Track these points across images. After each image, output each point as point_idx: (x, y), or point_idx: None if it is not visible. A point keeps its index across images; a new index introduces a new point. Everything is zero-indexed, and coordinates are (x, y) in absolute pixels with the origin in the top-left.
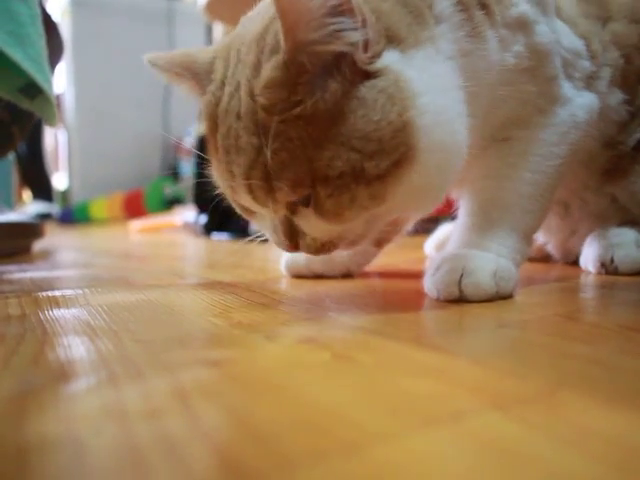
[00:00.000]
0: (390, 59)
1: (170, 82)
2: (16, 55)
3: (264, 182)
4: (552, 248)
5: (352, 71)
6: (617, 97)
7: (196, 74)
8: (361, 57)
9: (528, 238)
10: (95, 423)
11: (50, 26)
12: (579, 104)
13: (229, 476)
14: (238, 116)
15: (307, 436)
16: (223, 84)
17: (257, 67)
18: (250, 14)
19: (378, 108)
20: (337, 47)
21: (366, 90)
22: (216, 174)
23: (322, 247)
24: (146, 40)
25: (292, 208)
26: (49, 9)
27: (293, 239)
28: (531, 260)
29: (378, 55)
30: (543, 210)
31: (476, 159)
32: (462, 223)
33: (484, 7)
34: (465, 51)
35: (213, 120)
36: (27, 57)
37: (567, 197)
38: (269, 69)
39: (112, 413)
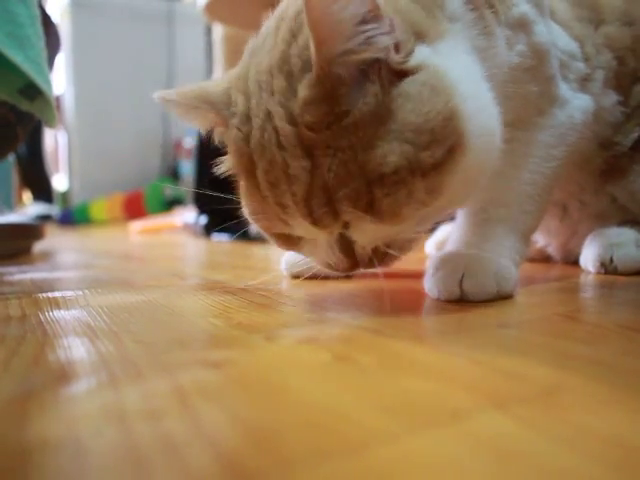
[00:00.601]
0: (422, 54)
1: (184, 117)
2: (16, 57)
3: (325, 203)
4: (553, 250)
5: (388, 72)
6: (611, 98)
7: (213, 104)
8: (395, 59)
9: (526, 238)
10: (95, 424)
11: (46, 21)
12: (576, 106)
13: (229, 477)
14: (279, 146)
15: (307, 436)
16: (248, 117)
17: (290, 90)
18: (255, 43)
19: (425, 100)
20: (371, 54)
21: (408, 86)
22: (257, 211)
23: (382, 255)
24: (146, 41)
25: (346, 222)
26: (48, 10)
27: (351, 255)
28: (531, 260)
29: (411, 53)
30: (540, 210)
31: None
32: (462, 223)
33: (491, 6)
34: (480, 48)
35: (247, 157)
36: (27, 59)
37: (564, 199)
38: (306, 88)
39: (112, 414)
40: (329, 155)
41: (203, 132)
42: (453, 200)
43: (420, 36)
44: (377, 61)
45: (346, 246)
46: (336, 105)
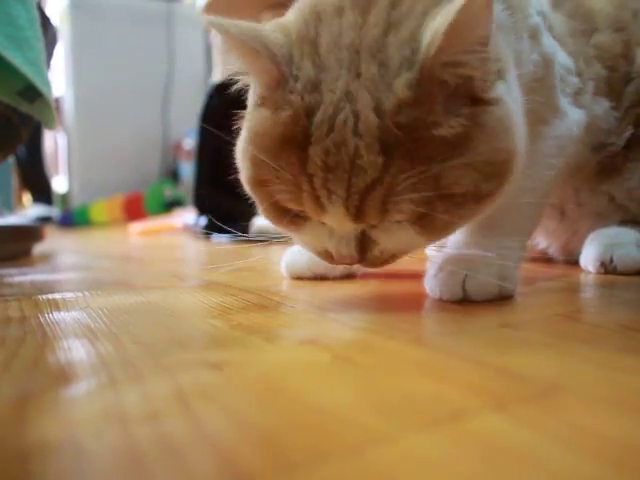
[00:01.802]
0: (501, 88)
1: (236, 56)
2: (15, 59)
3: (380, 202)
4: (555, 251)
5: (472, 97)
6: (603, 106)
7: (274, 56)
8: (482, 85)
9: (525, 241)
10: (95, 426)
11: (45, 23)
12: (573, 119)
13: (229, 478)
14: (356, 132)
15: (307, 437)
16: (317, 88)
17: (382, 82)
18: (320, 6)
19: (499, 136)
20: (478, 74)
21: (487, 117)
22: (271, 180)
23: (390, 258)
24: (145, 43)
25: (381, 223)
26: (47, 12)
27: (364, 252)
28: (533, 260)
29: (494, 85)
30: (538, 216)
31: None
32: None
33: (516, 17)
34: (516, 52)
35: (302, 129)
36: (26, 60)
37: (561, 202)
38: (406, 87)
39: (112, 416)
40: (408, 159)
41: (251, 82)
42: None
43: (501, 69)
44: (472, 82)
45: (365, 245)
46: (430, 114)
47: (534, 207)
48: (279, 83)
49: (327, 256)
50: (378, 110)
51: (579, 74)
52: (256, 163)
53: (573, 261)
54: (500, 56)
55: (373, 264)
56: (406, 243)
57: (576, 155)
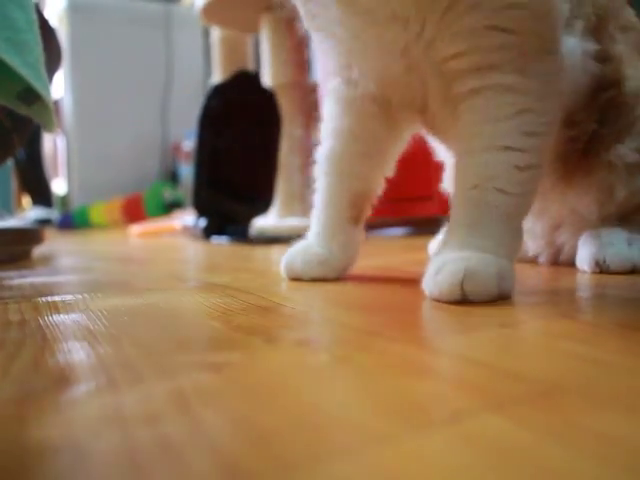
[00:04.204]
0: None
1: None
2: (13, 61)
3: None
4: (543, 257)
5: None
6: (590, 46)
7: None
8: None
9: (520, 227)
10: (95, 427)
11: (47, 33)
12: (565, 48)
13: (229, 479)
14: None
15: (307, 438)
16: None
17: None
18: None
19: None
20: None
21: None
22: None
23: None
24: (143, 44)
25: None
26: (46, 15)
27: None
28: (530, 262)
29: None
30: (533, 191)
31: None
32: (454, 215)
33: None
34: None
35: None
36: (24, 63)
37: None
38: None
39: (112, 417)
40: None
41: None
42: None
43: None
44: None
45: None
46: None
47: (528, 178)
48: None
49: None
50: None
51: (571, 8)
52: None
53: (561, 261)
54: None
55: None
56: None
57: (565, 97)
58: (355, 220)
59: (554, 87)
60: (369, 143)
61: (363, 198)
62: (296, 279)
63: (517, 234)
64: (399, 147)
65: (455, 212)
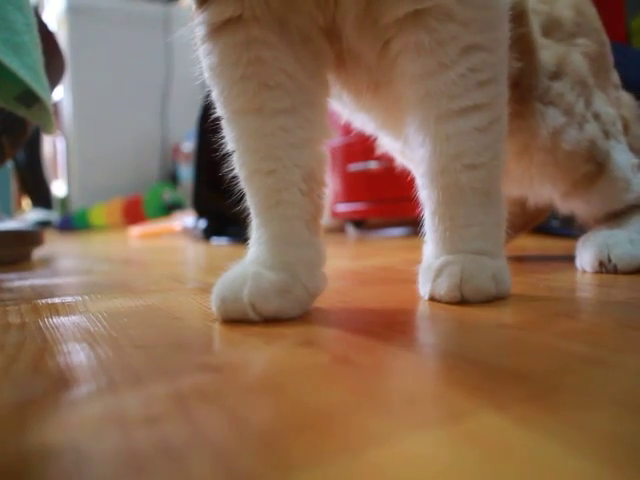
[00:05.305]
0: None
1: None
2: (12, 63)
3: None
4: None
5: None
6: None
7: None
8: None
9: (500, 199)
10: (95, 429)
11: (50, 43)
12: None
13: None
14: None
15: (306, 439)
16: None
17: None
18: None
19: None
20: None
21: None
22: None
23: None
24: (143, 46)
25: None
26: (45, 19)
27: None
28: (529, 260)
29: None
30: (502, 152)
31: None
32: (436, 210)
33: None
34: None
35: None
36: (23, 65)
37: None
38: None
39: (112, 419)
40: None
41: None
42: None
43: None
44: None
45: None
46: None
47: (490, 139)
48: None
49: None
50: None
51: None
52: None
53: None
54: None
55: None
56: None
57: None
58: (315, 224)
59: (497, 17)
60: (289, 92)
61: (315, 180)
62: (238, 320)
63: (501, 212)
64: (323, 92)
65: (433, 205)
